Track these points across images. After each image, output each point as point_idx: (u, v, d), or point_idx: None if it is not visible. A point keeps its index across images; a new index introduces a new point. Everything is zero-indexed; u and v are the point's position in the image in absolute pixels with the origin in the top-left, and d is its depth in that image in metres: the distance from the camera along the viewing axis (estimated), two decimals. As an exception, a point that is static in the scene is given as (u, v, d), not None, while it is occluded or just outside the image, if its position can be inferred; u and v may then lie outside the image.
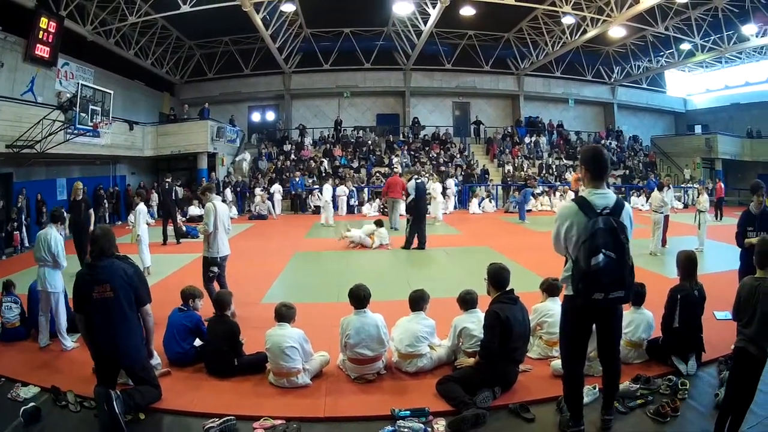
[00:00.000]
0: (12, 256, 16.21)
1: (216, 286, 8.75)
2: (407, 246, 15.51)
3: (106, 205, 23.48)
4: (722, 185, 25.05)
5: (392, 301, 8.08)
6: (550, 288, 6.89)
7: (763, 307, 4.64)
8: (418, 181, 15.98)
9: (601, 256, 4.35)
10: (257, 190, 26.42)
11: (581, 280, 4.44)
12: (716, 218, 23.17)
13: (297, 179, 27.44)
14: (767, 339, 4.69)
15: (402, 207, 17.61)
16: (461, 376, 5.84)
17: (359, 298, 6.34)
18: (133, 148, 24.87)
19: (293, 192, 27.42)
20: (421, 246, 15.53)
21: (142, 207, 13.04)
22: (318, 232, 20.26)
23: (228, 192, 26.65)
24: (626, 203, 4.80)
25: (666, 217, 14.96)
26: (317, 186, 27.04)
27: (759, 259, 4.91)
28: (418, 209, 15.61)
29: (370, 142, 33.96)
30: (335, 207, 24.59)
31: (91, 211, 13.33)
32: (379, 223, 16.25)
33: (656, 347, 6.59)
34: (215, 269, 8.74)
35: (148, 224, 21.48)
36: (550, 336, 6.45)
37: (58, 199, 21.14)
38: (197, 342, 6.82)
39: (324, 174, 29.14)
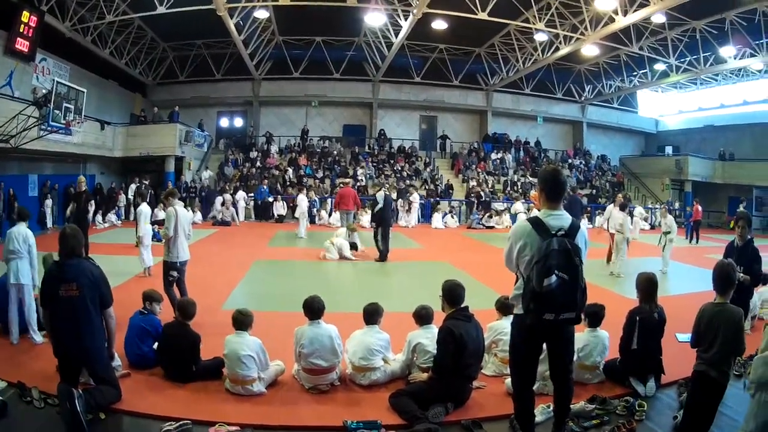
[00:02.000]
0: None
1: (176, 291, 8.81)
2: (383, 258, 15.51)
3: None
4: (699, 207, 24.64)
5: (348, 313, 8.09)
6: (503, 307, 6.87)
7: (725, 333, 4.75)
8: (387, 192, 16.05)
9: (554, 278, 4.34)
10: (226, 196, 26.17)
11: (532, 300, 4.43)
12: (690, 241, 23.29)
13: (264, 187, 27.34)
14: (729, 364, 4.82)
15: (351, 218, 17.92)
16: (414, 390, 5.85)
17: (313, 309, 6.36)
18: (103, 148, 24.79)
19: (259, 200, 27.26)
20: (383, 258, 15.59)
21: (144, 208, 13.04)
22: (281, 241, 20.17)
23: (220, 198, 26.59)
24: (582, 225, 4.81)
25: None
26: (284, 194, 27.18)
27: (718, 285, 5.02)
28: (385, 219, 15.70)
29: (335, 152, 34.06)
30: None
31: (92, 202, 13.43)
32: (354, 246, 16.08)
33: (614, 368, 6.58)
34: (175, 273, 8.83)
35: (116, 225, 21.29)
36: (505, 354, 6.39)
37: (29, 195, 21.09)
38: (156, 345, 6.77)
39: (288, 183, 29.22)
